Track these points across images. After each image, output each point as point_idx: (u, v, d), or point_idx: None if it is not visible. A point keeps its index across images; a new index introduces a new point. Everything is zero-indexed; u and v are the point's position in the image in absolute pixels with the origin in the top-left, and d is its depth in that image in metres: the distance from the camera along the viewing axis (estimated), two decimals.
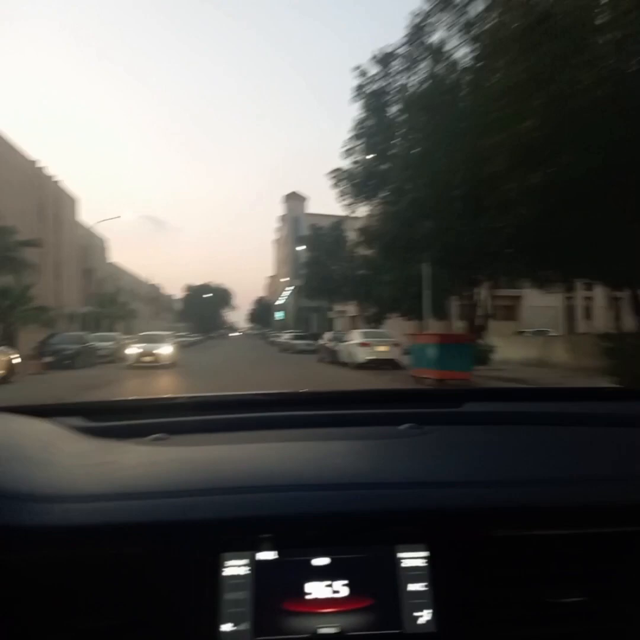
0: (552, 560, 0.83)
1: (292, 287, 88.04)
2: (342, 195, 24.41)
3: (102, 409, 1.46)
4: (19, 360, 16.54)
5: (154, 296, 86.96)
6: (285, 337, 44.20)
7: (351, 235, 37.46)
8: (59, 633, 0.75)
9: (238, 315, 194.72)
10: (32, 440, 1.06)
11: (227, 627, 0.74)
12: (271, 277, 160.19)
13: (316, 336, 40.09)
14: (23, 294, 26.31)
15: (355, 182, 23.40)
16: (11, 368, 15.95)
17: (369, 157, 22.40)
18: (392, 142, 20.12)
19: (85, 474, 0.89)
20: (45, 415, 1.24)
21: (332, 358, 24.27)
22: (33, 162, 39.34)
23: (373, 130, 21.59)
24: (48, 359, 21.01)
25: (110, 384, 15.38)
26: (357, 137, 22.53)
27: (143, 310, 77.49)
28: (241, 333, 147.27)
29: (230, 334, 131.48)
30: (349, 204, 24.35)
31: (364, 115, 21.73)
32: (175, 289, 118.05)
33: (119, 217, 49.70)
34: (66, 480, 0.85)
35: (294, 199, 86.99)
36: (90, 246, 52.10)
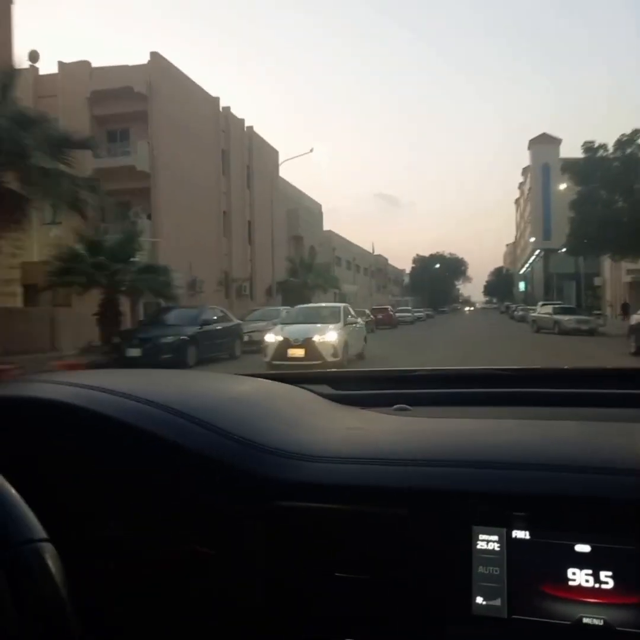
0: None
1: (539, 251, 73.49)
2: None
3: (345, 378, 1.54)
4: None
5: (379, 268, 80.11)
6: (542, 311, 31.85)
7: None
8: (320, 580, 0.79)
9: (473, 288, 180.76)
10: (289, 404, 1.12)
11: (480, 600, 0.73)
12: (511, 244, 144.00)
13: (590, 309, 27.72)
14: (126, 247, 17.90)
15: None
16: None
17: None
18: None
19: (338, 438, 0.94)
20: (296, 383, 1.29)
21: None
22: (216, 99, 33.66)
23: None
24: (134, 352, 13.16)
25: None
26: None
27: (368, 283, 71.51)
28: (473, 308, 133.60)
29: (466, 309, 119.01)
30: None
31: None
32: (407, 264, 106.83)
33: (311, 151, 35.93)
34: (322, 442, 0.91)
35: (544, 142, 71.24)
36: (301, 211, 45.97)
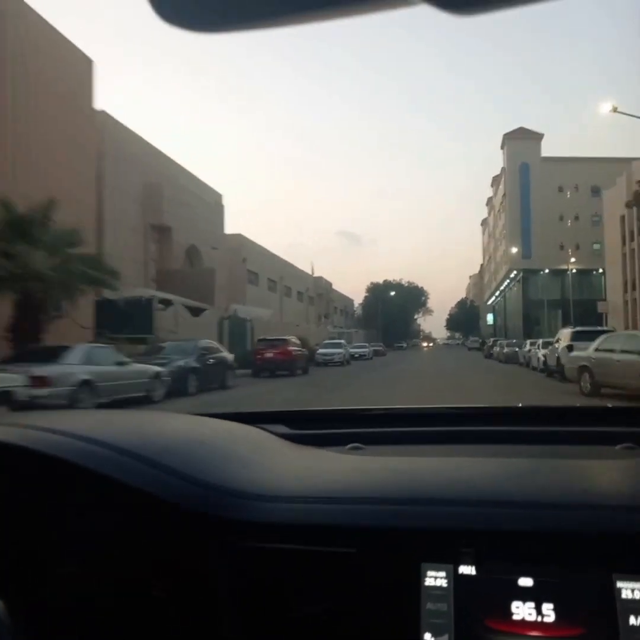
0: None
1: (515, 273, 58.81)
2: None
3: (301, 417, 1.52)
4: None
5: (320, 293, 64.31)
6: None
7: None
8: (274, 620, 0.80)
9: (434, 323, 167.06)
10: (246, 443, 1.15)
11: (428, 636, 0.74)
12: (475, 275, 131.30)
13: None
14: None
15: None
16: None
17: None
18: None
19: (292, 477, 0.96)
20: (252, 422, 1.30)
21: None
22: None
23: None
24: None
25: None
26: None
27: (303, 310, 55.63)
28: (432, 344, 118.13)
29: (424, 345, 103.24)
30: None
31: None
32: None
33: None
34: (276, 482, 0.92)
35: (521, 138, 57.21)
36: (172, 190, 29.55)
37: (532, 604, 0.72)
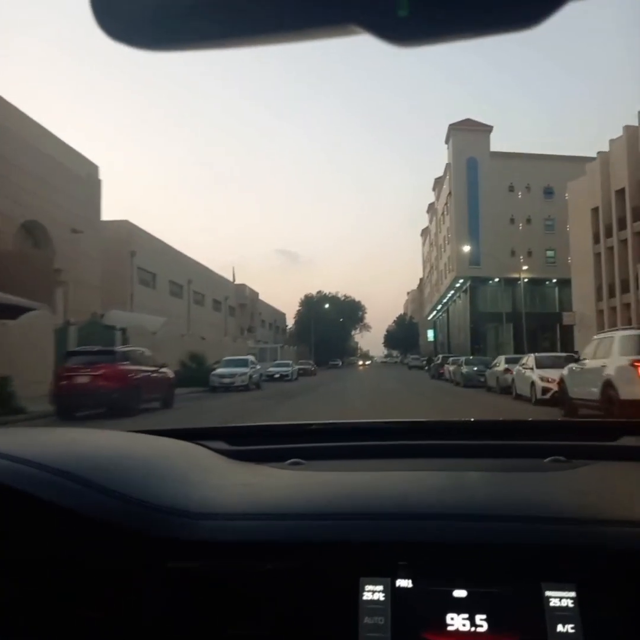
0: None
1: (461, 282, 52.37)
2: None
3: (241, 433, 1.52)
4: None
5: (243, 303, 55.87)
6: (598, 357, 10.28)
7: None
8: (214, 638, 0.80)
9: (372, 340, 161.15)
10: (184, 461, 1.13)
11: None
12: (414, 291, 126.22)
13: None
14: None
15: None
16: None
17: None
18: None
19: (231, 494, 0.95)
20: (191, 439, 1.30)
21: None
22: None
23: None
24: None
25: None
26: None
27: (221, 321, 47.16)
28: (369, 362, 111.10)
29: (360, 363, 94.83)
30: None
31: None
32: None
33: None
34: (215, 499, 0.91)
35: (469, 130, 50.90)
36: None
37: (466, 615, 0.73)
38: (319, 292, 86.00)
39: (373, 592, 0.76)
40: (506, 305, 51.56)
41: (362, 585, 0.76)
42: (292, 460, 1.19)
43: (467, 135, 50.31)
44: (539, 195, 51.43)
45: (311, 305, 79.81)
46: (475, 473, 1.12)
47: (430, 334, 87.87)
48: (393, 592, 0.76)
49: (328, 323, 77.13)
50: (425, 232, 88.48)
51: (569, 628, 0.71)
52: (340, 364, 76.05)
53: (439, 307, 72.57)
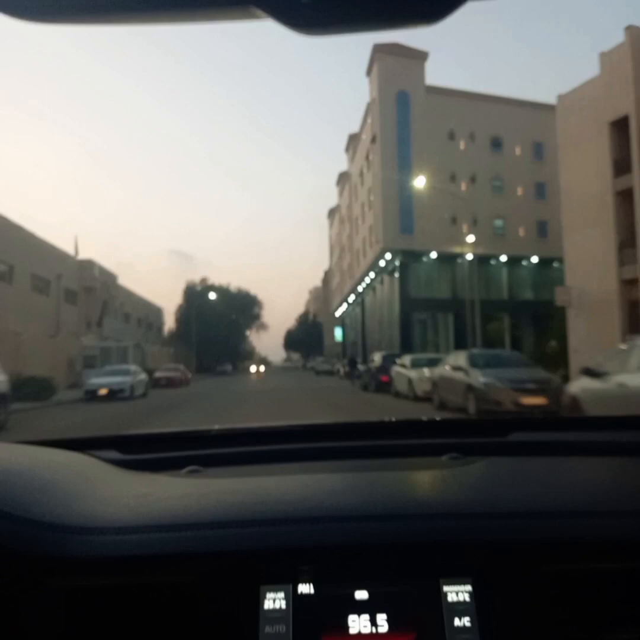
0: (608, 597, 0.80)
1: (388, 260, 39.77)
2: None
3: (135, 441, 1.44)
4: None
5: (91, 286, 39.84)
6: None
7: None
8: None
9: (271, 343, 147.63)
10: (69, 473, 1.07)
11: None
12: (316, 288, 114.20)
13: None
14: None
15: None
16: None
17: None
18: None
19: (122, 507, 0.91)
20: (79, 448, 1.24)
21: None
22: None
23: None
24: None
25: None
26: None
27: (56, 312, 31.64)
28: (265, 367, 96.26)
29: (252, 369, 76.56)
30: None
31: None
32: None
33: None
34: (103, 513, 0.87)
35: (399, 55, 37.82)
36: None
37: (367, 616, 0.75)
38: (203, 279, 70.28)
39: (274, 600, 0.75)
40: (444, 290, 39.76)
41: (263, 594, 0.75)
42: (190, 468, 1.16)
43: (396, 62, 37.58)
44: (486, 147, 39.99)
45: (193, 296, 64.45)
46: (374, 473, 1.12)
47: (337, 333, 75.45)
48: (294, 599, 0.75)
49: (215, 319, 62.35)
50: (333, 212, 75.90)
51: (465, 621, 0.74)
52: (231, 369, 61.48)
53: (351, 298, 60.01)
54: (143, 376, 22.66)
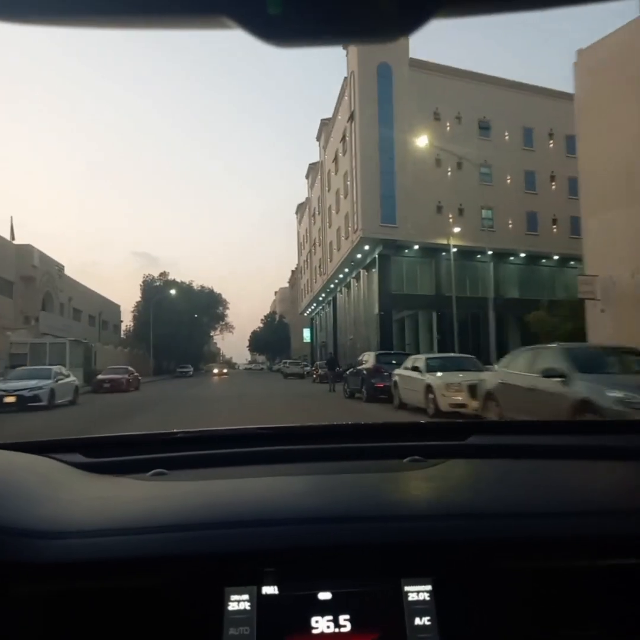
0: (564, 594, 0.83)
1: (365, 252, 36.26)
2: None
3: (100, 444, 1.42)
4: None
5: (28, 275, 35.03)
6: None
7: None
8: None
9: (236, 345, 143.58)
10: (31, 476, 1.06)
11: None
12: (282, 289, 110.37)
13: None
14: None
15: None
16: None
17: None
18: None
19: (85, 510, 0.90)
20: (43, 452, 1.23)
21: None
22: None
23: None
24: None
25: None
26: None
27: None
28: (226, 370, 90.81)
29: (214, 372, 66.96)
30: None
31: None
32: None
33: None
34: (66, 516, 0.86)
35: None
36: None
37: (330, 617, 0.76)
38: (163, 274, 65.13)
39: (238, 602, 0.75)
40: (427, 286, 36.41)
41: (228, 596, 0.76)
42: (155, 470, 1.14)
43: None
44: (473, 130, 36.80)
45: (151, 291, 59.59)
46: (337, 476, 1.13)
47: (306, 334, 71.69)
48: (259, 600, 0.75)
49: (176, 318, 57.74)
50: (302, 207, 72.17)
51: (425, 620, 0.75)
52: (192, 371, 56.91)
53: (322, 297, 56.36)
54: (70, 379, 18.27)
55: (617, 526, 0.84)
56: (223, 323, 79.59)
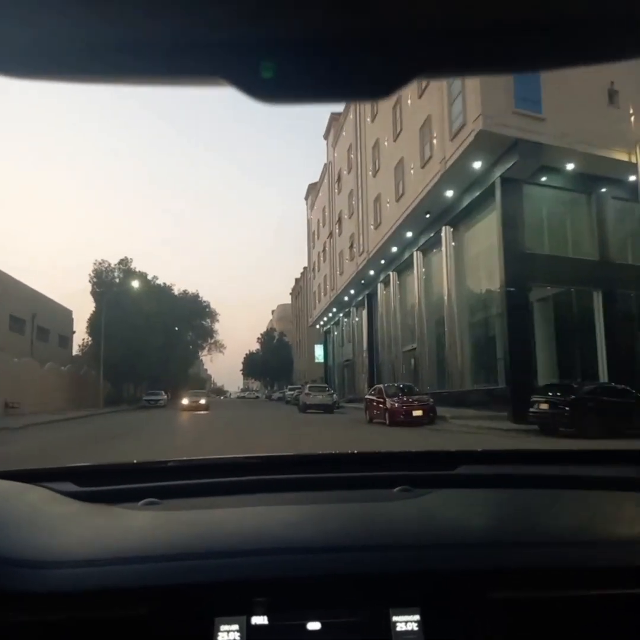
0: (553, 625, 0.83)
1: (480, 167, 19.75)
2: None
3: (92, 473, 1.42)
4: None
5: None
6: None
7: None
8: None
9: (227, 369, 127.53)
10: (22, 505, 1.06)
11: None
12: (281, 305, 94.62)
13: None
14: None
15: None
16: None
17: None
18: None
19: (76, 540, 0.90)
20: (35, 481, 1.23)
21: None
22: None
23: None
24: None
25: None
26: None
27: None
28: (207, 399, 73.40)
29: (185, 401, 37.53)
30: None
31: None
32: None
33: None
34: (57, 546, 0.86)
35: None
36: None
37: None
38: (122, 261, 45.93)
39: (228, 632, 0.76)
40: (586, 244, 20.37)
41: (217, 626, 0.76)
42: (147, 500, 1.14)
43: None
44: None
45: (106, 286, 42.25)
46: (327, 505, 1.14)
47: (318, 352, 55.48)
48: (249, 630, 0.76)
49: (144, 326, 41.07)
50: (313, 188, 56.19)
51: None
52: (164, 400, 39.98)
53: (346, 298, 40.00)
54: None
55: (607, 556, 0.84)
56: (212, 341, 62.84)
